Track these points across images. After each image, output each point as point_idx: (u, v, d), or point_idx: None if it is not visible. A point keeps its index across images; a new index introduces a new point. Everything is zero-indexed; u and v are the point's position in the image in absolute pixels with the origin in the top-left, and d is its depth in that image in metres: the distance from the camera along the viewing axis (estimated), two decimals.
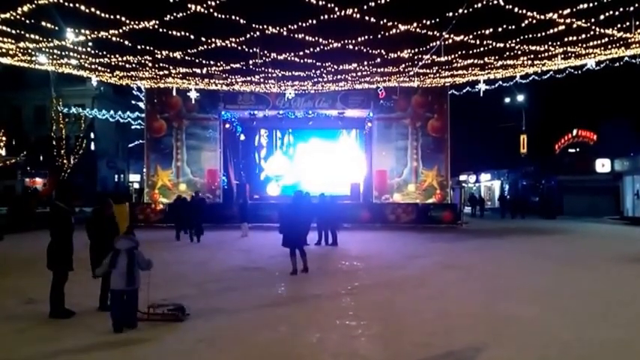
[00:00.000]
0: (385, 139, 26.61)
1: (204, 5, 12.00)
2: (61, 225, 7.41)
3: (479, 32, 14.42)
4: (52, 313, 7.26)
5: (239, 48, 15.42)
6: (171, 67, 19.14)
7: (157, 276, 10.75)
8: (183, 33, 14.25)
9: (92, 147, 44.73)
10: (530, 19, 13.08)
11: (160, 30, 13.66)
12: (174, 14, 12.58)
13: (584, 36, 14.55)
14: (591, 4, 12.34)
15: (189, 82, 22.61)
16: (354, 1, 12.57)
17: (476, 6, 12.32)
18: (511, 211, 35.74)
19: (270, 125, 30.19)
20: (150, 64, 18.21)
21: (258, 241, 17.60)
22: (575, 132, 40.31)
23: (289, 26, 13.76)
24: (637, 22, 13.51)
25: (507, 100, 40.47)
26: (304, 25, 13.52)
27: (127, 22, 13.15)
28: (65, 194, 8.05)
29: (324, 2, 12.11)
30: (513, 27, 13.85)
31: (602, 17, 12.84)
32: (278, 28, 13.89)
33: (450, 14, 12.82)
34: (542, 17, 12.90)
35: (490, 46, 15.44)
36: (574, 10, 12.53)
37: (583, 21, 13.13)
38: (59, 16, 14.15)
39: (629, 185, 32.77)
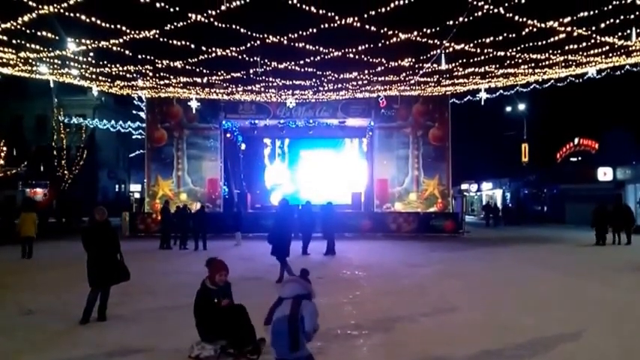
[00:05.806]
0: (386, 148, 26.60)
1: (205, 15, 12.02)
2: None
3: (479, 41, 14.43)
4: None
5: (239, 57, 15.46)
6: (171, 77, 19.17)
7: (159, 284, 10.84)
8: (183, 42, 14.28)
9: (93, 157, 44.72)
10: (530, 28, 13.09)
11: (161, 39, 13.70)
12: (175, 24, 12.61)
13: (584, 44, 14.55)
14: (592, 13, 12.36)
15: (190, 92, 22.65)
16: (354, 10, 12.60)
17: (476, 14, 12.33)
18: (495, 220, 37.11)
19: (271, 134, 30.21)
20: (150, 74, 18.25)
21: (259, 249, 17.42)
22: (576, 140, 40.22)
23: (289, 35, 13.79)
24: (637, 31, 13.51)
25: (508, 108, 40.53)
26: (305, 34, 13.55)
27: (128, 31, 13.18)
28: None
29: (324, 11, 12.13)
30: (514, 35, 13.87)
31: (602, 25, 12.85)
32: (278, 37, 13.92)
33: (451, 23, 12.84)
34: (543, 26, 12.91)
35: (491, 55, 15.46)
36: (574, 18, 12.55)
37: (584, 29, 13.14)
38: (60, 26, 14.18)
39: (632, 194, 32.63)
